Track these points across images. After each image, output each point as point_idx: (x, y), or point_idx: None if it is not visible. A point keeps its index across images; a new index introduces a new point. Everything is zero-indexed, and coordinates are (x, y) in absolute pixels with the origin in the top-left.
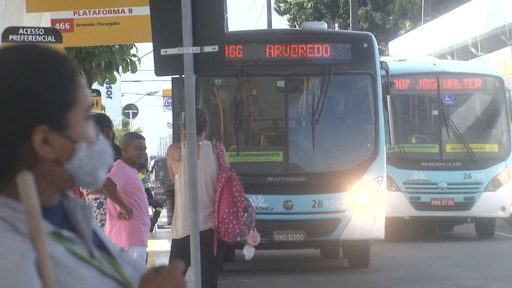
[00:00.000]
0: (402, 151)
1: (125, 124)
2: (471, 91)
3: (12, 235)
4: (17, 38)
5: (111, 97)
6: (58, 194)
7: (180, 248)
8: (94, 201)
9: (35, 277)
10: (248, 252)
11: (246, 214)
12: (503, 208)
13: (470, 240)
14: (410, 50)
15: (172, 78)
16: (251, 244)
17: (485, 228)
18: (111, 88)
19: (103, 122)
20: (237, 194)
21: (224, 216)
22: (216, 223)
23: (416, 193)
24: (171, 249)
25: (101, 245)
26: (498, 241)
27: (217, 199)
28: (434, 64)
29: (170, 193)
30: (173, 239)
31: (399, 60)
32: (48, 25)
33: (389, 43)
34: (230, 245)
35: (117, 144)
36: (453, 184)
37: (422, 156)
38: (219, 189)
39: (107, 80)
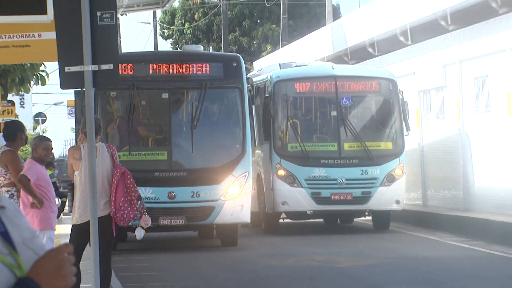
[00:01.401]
0: (303, 150)
1: (35, 129)
2: (367, 93)
3: None
4: None
5: (23, 107)
6: None
7: (78, 231)
8: (6, 192)
9: None
10: (139, 233)
11: (139, 202)
12: (398, 202)
13: (365, 232)
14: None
15: (75, 91)
16: (144, 226)
17: (381, 220)
18: (23, 99)
19: (16, 127)
20: (131, 185)
21: (120, 204)
22: (114, 210)
23: (317, 188)
24: (71, 233)
25: (5, 234)
26: (358, 228)
27: (113, 190)
28: (333, 68)
29: (71, 187)
30: (72, 225)
31: (300, 66)
32: None
33: (254, 63)
34: (123, 228)
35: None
36: (351, 180)
37: (322, 154)
38: (115, 182)
39: (21, 91)
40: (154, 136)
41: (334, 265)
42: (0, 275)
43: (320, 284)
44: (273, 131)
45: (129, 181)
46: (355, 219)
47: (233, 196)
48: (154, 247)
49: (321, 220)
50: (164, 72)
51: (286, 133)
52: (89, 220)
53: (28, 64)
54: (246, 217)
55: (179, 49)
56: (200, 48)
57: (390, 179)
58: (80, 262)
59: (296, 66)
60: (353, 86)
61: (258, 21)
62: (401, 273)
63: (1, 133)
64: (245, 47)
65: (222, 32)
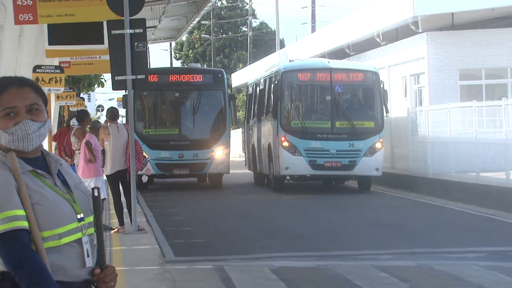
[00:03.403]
0: (303, 126)
1: (97, 115)
2: (355, 82)
3: (3, 170)
4: (40, 71)
5: (90, 101)
6: (35, 151)
7: (111, 179)
8: (78, 153)
9: (15, 194)
10: (144, 178)
11: (145, 159)
12: (377, 169)
13: (348, 192)
14: (244, 79)
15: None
16: (147, 174)
17: (364, 183)
18: (90, 96)
19: (84, 114)
20: (139, 149)
21: None
22: (129, 164)
23: (313, 157)
24: (108, 180)
25: (64, 181)
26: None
27: (128, 152)
28: (328, 62)
29: (102, 151)
30: (106, 175)
31: (303, 60)
32: (57, 64)
33: (232, 75)
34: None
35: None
36: (341, 151)
37: (318, 130)
38: (129, 147)
39: (89, 91)
40: (170, 119)
41: (279, 199)
42: (64, 206)
43: (268, 208)
44: (280, 111)
45: (138, 146)
46: (346, 182)
47: (219, 157)
48: (170, 188)
49: (320, 181)
50: (176, 80)
51: (290, 113)
52: (116, 171)
53: (93, 75)
54: (227, 170)
55: (185, 66)
56: (198, 65)
57: (371, 151)
58: (120, 196)
59: (301, 60)
60: (344, 76)
61: (234, 49)
62: (320, 201)
63: (76, 117)
64: (226, 65)
65: (212, 56)
